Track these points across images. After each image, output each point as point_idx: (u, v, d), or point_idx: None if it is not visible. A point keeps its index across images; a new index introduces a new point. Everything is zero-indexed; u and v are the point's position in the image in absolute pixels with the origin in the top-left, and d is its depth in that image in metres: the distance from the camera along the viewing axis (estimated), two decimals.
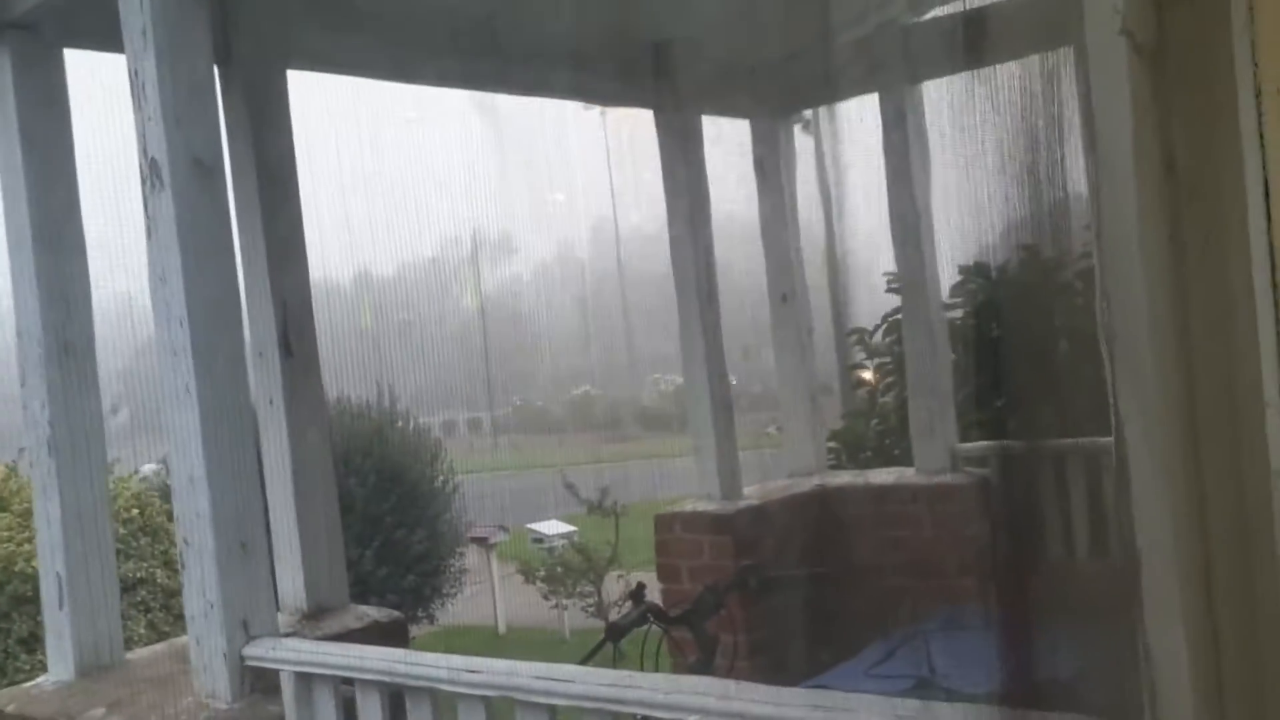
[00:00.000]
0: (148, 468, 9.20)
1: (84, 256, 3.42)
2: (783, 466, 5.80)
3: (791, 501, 5.28)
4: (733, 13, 4.94)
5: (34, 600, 7.78)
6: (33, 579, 7.68)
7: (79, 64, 3.51)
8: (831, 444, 6.29)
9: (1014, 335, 5.06)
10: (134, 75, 2.86)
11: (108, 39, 3.05)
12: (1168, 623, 1.20)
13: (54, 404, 3.33)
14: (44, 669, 3.61)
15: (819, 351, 6.23)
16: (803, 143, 5.82)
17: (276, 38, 3.68)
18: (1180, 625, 1.19)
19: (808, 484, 5.48)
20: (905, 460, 5.73)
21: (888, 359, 6.23)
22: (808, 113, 5.79)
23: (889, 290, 5.77)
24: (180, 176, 2.79)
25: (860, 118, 5.54)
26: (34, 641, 7.91)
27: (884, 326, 6.16)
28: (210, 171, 2.88)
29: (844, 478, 5.73)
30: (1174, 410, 1.21)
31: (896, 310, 5.77)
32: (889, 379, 6.27)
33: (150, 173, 2.82)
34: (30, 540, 7.87)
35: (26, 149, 3.31)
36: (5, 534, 8.23)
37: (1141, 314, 1.20)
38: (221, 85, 3.46)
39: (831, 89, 5.53)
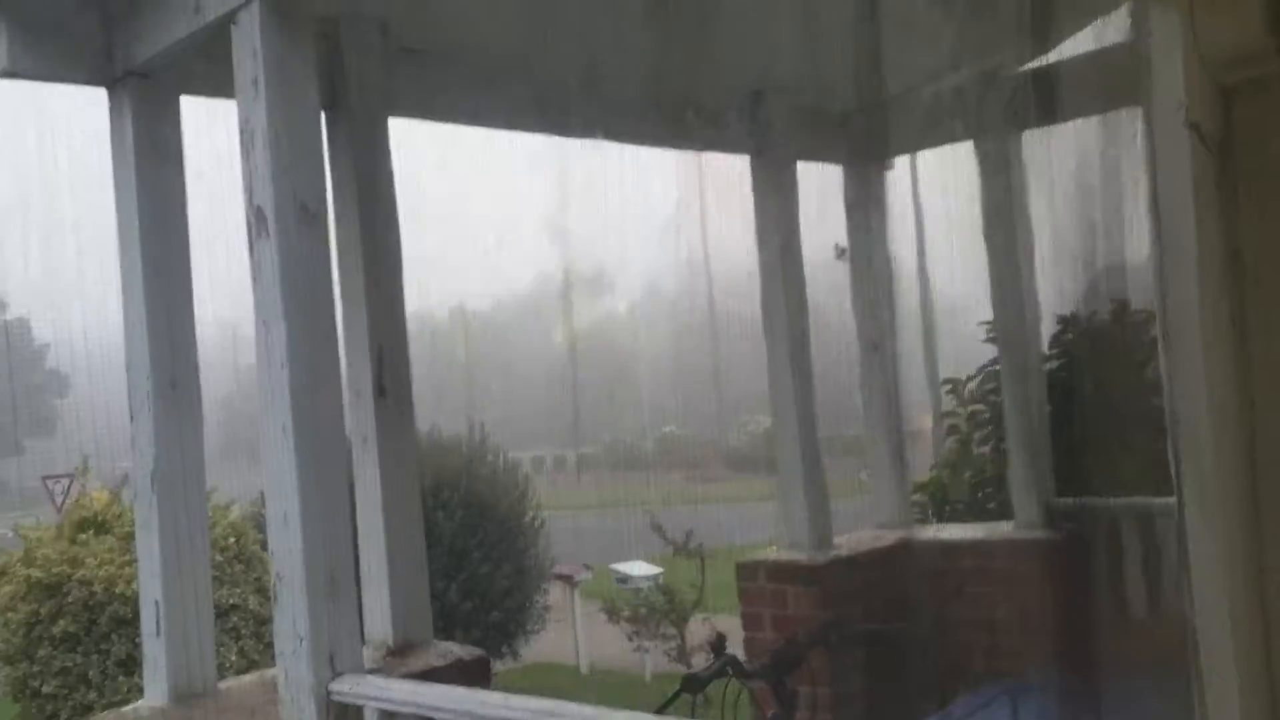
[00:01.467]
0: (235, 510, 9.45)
1: (190, 297, 3.54)
2: (870, 515, 5.73)
3: (879, 554, 5.20)
4: (827, 60, 4.96)
5: (133, 622, 8.03)
6: (132, 601, 7.93)
7: (193, 109, 3.66)
8: (917, 496, 6.19)
9: (1107, 389, 4.97)
10: (244, 123, 2.97)
11: (221, 86, 3.18)
12: (1223, 692, 1.17)
13: (159, 439, 3.45)
14: (140, 692, 3.72)
15: (909, 400, 6.16)
16: (895, 189, 5.80)
17: (380, 86, 3.79)
18: (1236, 695, 1.16)
19: (895, 536, 5.40)
20: (1000, 514, 5.62)
21: (983, 409, 6.12)
22: (900, 159, 5.77)
23: (987, 340, 5.69)
24: (285, 223, 2.89)
25: (956, 165, 5.50)
26: (132, 663, 8.16)
27: (980, 376, 6.06)
28: (314, 218, 2.97)
29: (934, 531, 5.64)
30: (1234, 491, 1.18)
31: (994, 360, 5.69)
32: (985, 430, 6.16)
33: (256, 220, 2.93)
34: (131, 564, 8.13)
35: (141, 191, 3.45)
36: (107, 557, 8.51)
37: (1201, 400, 1.18)
38: (327, 132, 3.58)
39: (927, 136, 5.50)
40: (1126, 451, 4.97)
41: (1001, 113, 5.03)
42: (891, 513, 5.61)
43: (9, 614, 8.56)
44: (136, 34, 3.39)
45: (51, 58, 3.43)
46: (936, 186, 5.84)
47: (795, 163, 5.25)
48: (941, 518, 6.22)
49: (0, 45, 3.37)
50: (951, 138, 5.43)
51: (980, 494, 6.16)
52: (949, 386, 6.33)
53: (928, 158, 5.80)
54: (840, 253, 5.61)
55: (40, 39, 3.41)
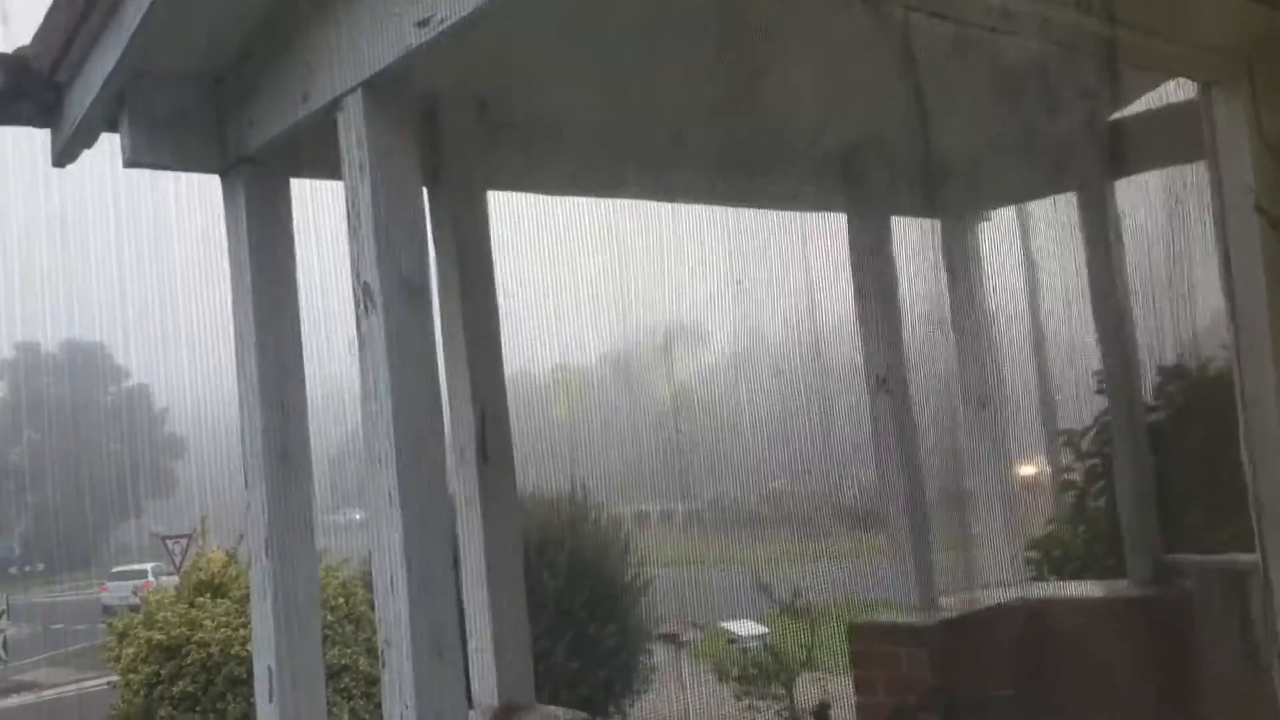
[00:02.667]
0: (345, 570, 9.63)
1: (301, 371, 3.66)
2: (981, 575, 5.60)
3: (991, 614, 5.07)
4: (921, 114, 4.95)
5: (247, 682, 8.21)
6: (247, 662, 8.11)
7: (302, 190, 3.81)
8: (1030, 553, 6.02)
9: (1212, 442, 4.80)
10: (350, 204, 3.08)
11: (328, 168, 3.30)
12: None
13: (272, 507, 3.55)
14: None
15: (1019, 455, 6.03)
16: (996, 240, 5.74)
17: (479, 161, 3.90)
18: None
19: (1007, 595, 5.26)
20: (1116, 571, 5.44)
21: (1098, 462, 5.95)
22: (998, 211, 5.71)
23: (1099, 391, 5.56)
24: (390, 298, 2.98)
25: (1055, 215, 5.42)
26: None
27: (1095, 428, 5.91)
28: (418, 291, 3.06)
29: (1048, 589, 5.48)
30: None
31: (1106, 411, 5.55)
32: (1100, 483, 5.98)
33: (363, 295, 3.02)
34: (246, 625, 8.34)
35: (255, 271, 3.60)
36: (224, 619, 8.76)
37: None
38: (429, 206, 3.69)
39: (1025, 188, 5.44)
40: (1235, 505, 4.79)
41: (1096, 164, 4.96)
42: (1004, 570, 5.48)
43: (131, 675, 8.85)
44: (249, 121, 3.55)
45: (171, 148, 3.61)
46: (1039, 236, 5.75)
47: (889, 217, 5.24)
48: (1059, 575, 6.04)
49: (124, 138, 3.57)
50: (1049, 189, 5.36)
51: (1096, 550, 5.97)
52: (1064, 439, 6.17)
53: (1025, 209, 5.73)
54: (982, 402, 5.57)
55: (160, 131, 3.59)
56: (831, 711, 3.03)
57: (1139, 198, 5.15)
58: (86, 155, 3.84)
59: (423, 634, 2.92)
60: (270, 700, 3.55)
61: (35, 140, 3.95)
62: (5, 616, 19.30)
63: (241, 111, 3.58)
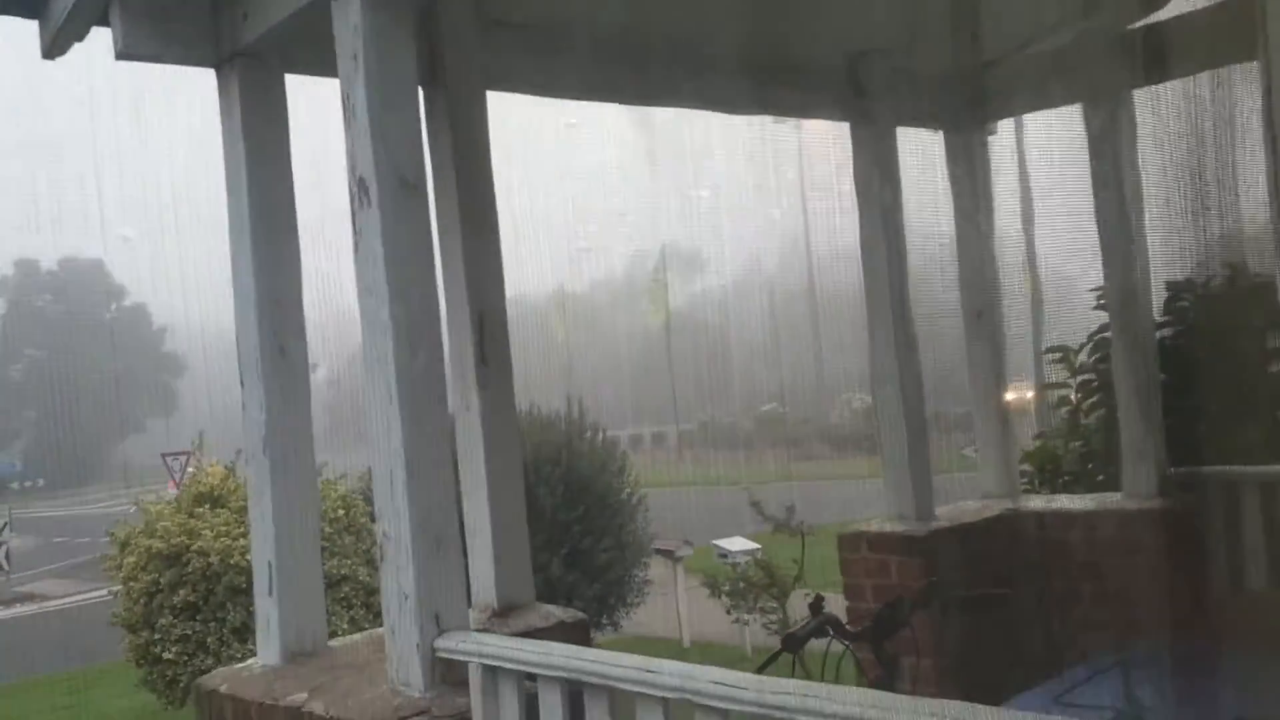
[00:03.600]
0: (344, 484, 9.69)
1: (298, 267, 3.65)
2: (975, 487, 5.65)
3: (983, 524, 5.12)
4: (927, 22, 4.86)
5: (247, 591, 8.32)
6: (246, 572, 8.20)
7: (297, 87, 3.75)
8: (1024, 466, 6.06)
9: (1223, 356, 4.80)
10: (346, 98, 3.04)
11: (323, 65, 3.26)
12: None
13: (269, 405, 3.56)
14: (254, 656, 3.86)
15: (1016, 370, 6.03)
16: (1001, 152, 5.68)
17: (477, 61, 3.84)
18: None
19: (1000, 506, 5.30)
20: (1108, 485, 5.48)
21: (1092, 378, 5.96)
22: (1004, 123, 5.64)
23: (1097, 307, 5.54)
24: (386, 194, 2.95)
25: (1062, 127, 5.36)
26: (245, 631, 8.46)
27: (1090, 344, 5.90)
28: (414, 189, 3.03)
29: (1041, 501, 5.53)
30: None
31: (1104, 328, 5.53)
32: (1093, 399, 6.00)
33: (359, 190, 3.00)
34: (245, 535, 8.41)
35: (250, 167, 3.57)
36: (223, 529, 8.83)
37: None
38: (425, 107, 3.64)
39: (1031, 98, 5.37)
40: (1244, 419, 4.80)
41: (1111, 72, 4.88)
42: (996, 484, 5.52)
43: (131, 583, 8.94)
44: (243, 13, 3.49)
45: (163, 40, 3.56)
46: (1042, 150, 5.69)
47: (895, 129, 5.18)
48: (1050, 489, 6.08)
49: (116, 30, 3.50)
50: (1058, 99, 5.29)
51: (1089, 464, 6.01)
52: (1059, 355, 6.18)
53: (1033, 120, 5.66)
54: (979, 315, 5.54)
55: (151, 23, 3.53)
56: (826, 604, 3.06)
57: (1153, 110, 5.07)
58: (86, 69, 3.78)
59: (421, 524, 2.94)
60: (270, 594, 3.59)
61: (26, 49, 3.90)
62: (8, 529, 19.47)
63: (235, 3, 3.51)
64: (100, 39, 3.68)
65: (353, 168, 3.04)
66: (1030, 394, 7.04)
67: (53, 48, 3.73)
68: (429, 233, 3.19)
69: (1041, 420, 6.77)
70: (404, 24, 3.09)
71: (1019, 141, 5.77)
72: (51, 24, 3.64)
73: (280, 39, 3.49)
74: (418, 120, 3.17)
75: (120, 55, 3.52)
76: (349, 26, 3.00)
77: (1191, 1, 4.64)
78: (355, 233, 3.07)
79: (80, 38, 3.71)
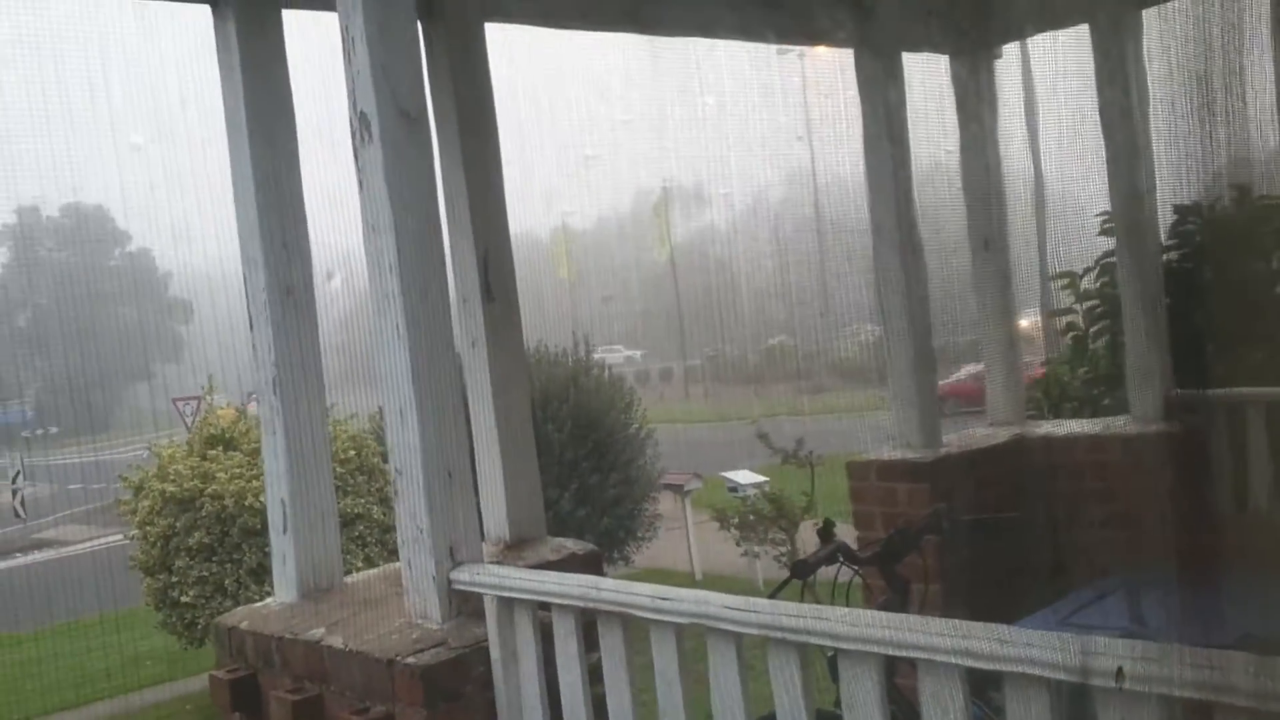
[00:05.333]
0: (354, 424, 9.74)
1: (302, 205, 3.63)
2: (981, 414, 5.66)
3: (991, 451, 5.14)
4: None
5: (262, 533, 8.41)
6: (261, 513, 8.30)
7: (295, 22, 3.71)
8: (1031, 392, 6.07)
9: (1230, 279, 4.78)
10: (344, 31, 3.01)
11: (322, 0, 3.22)
12: None
13: (278, 345, 3.57)
14: (272, 597, 3.91)
15: (1023, 298, 6.01)
16: (1006, 77, 5.60)
17: None
18: None
19: (1008, 433, 5.32)
20: (1115, 409, 5.49)
21: (1099, 303, 5.94)
22: (1010, 46, 5.56)
23: (1102, 232, 5.51)
24: (388, 128, 2.93)
25: (1069, 50, 5.28)
26: (262, 572, 8.56)
27: (1095, 269, 5.88)
28: (415, 122, 3.01)
29: (1048, 427, 5.54)
30: None
31: (1110, 253, 5.51)
32: (1099, 325, 5.98)
33: (360, 125, 2.98)
34: (258, 478, 8.50)
35: (250, 103, 3.54)
36: (236, 471, 8.91)
37: None
38: (424, 40, 3.60)
39: (1037, 19, 5.29)
40: (1251, 341, 4.79)
41: None
42: (1006, 411, 5.53)
43: (148, 528, 9.05)
44: None
45: None
46: (1049, 73, 5.61)
47: (900, 53, 5.11)
48: (1058, 414, 6.10)
49: None
50: (1064, 20, 5.21)
51: (1097, 389, 6.02)
52: (1065, 281, 6.15)
53: (1039, 43, 5.57)
54: (986, 244, 5.49)
55: None
56: (836, 530, 3.09)
57: (1161, 30, 4.99)
58: None
59: (434, 458, 2.96)
60: (284, 531, 3.63)
61: None
62: (21, 476, 19.64)
63: None
64: None
65: (353, 103, 3.01)
66: (1038, 320, 7.03)
67: None
68: (432, 168, 3.17)
69: (1049, 347, 6.76)
70: None
71: (1025, 64, 5.70)
72: None
73: None
74: (418, 53, 3.14)
75: None
76: None
77: None
78: (358, 170, 3.05)
79: None
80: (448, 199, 3.72)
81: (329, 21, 3.19)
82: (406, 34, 3.05)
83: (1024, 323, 6.35)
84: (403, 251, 2.97)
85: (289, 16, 3.69)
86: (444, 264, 3.17)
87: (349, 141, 3.06)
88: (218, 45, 3.59)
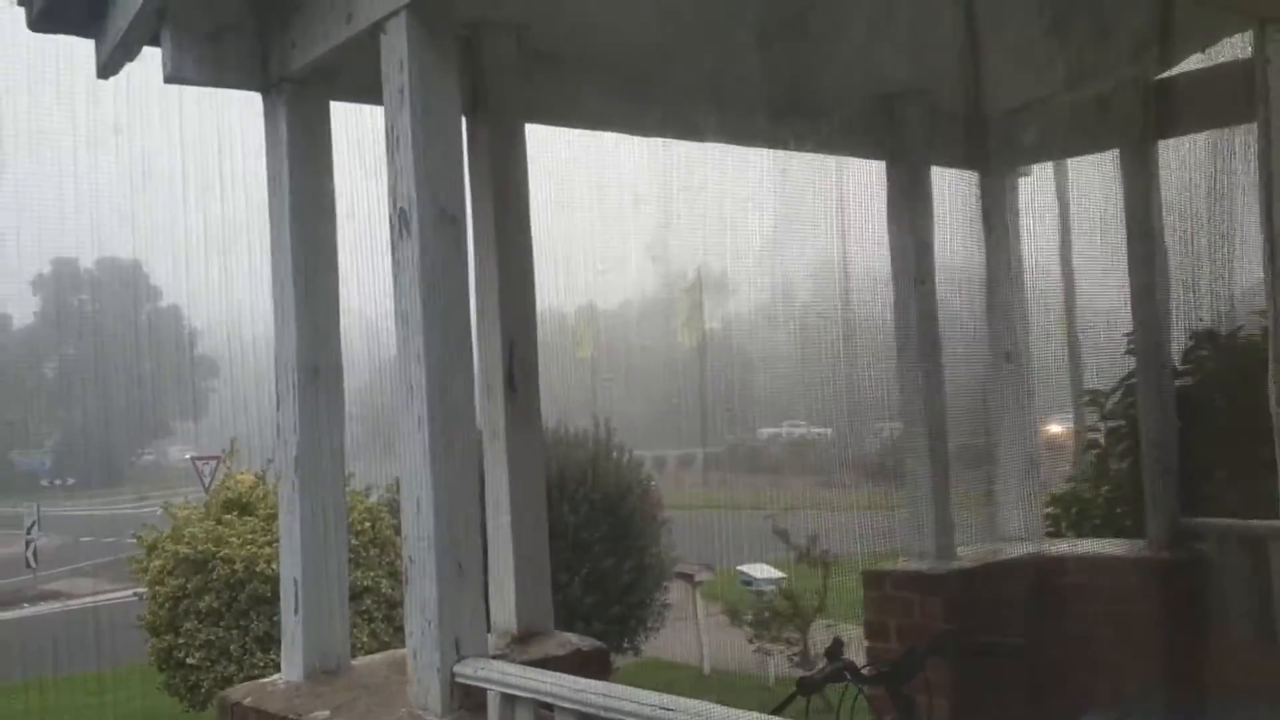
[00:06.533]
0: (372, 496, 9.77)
1: (336, 292, 3.71)
2: (998, 529, 5.63)
3: (1006, 566, 5.12)
4: (963, 64, 4.90)
5: (271, 601, 8.39)
6: (272, 580, 8.29)
7: (341, 114, 3.83)
8: (1050, 509, 6.05)
9: (1239, 408, 4.79)
10: (390, 129, 3.10)
11: (369, 93, 3.33)
12: None
13: (302, 426, 3.62)
14: (276, 667, 3.91)
15: (1045, 412, 6.02)
16: (1035, 195, 5.69)
17: (517, 92, 3.90)
18: None
19: (1023, 549, 5.30)
20: (1136, 532, 5.46)
21: (1123, 423, 5.94)
22: (1037, 167, 5.66)
23: (1128, 352, 5.54)
24: (426, 227, 3.01)
25: (1095, 173, 5.37)
26: (268, 640, 8.52)
27: (1120, 389, 5.89)
28: (453, 221, 3.08)
29: (1064, 545, 5.51)
30: None
31: (1133, 373, 5.54)
32: (1123, 445, 5.98)
33: (400, 221, 3.05)
34: (271, 544, 8.51)
35: (294, 190, 3.63)
36: (249, 537, 8.92)
37: None
38: (467, 136, 3.71)
39: (1065, 142, 5.39)
40: (1257, 472, 4.79)
41: (1140, 123, 4.91)
42: (1022, 526, 5.51)
43: (158, 587, 9.04)
44: (291, 42, 3.56)
45: (212, 64, 3.63)
46: (1075, 194, 5.71)
47: (929, 168, 5.21)
48: (1077, 533, 6.07)
49: (165, 53, 3.58)
50: (1091, 145, 5.31)
51: (1117, 510, 5.99)
52: (1089, 399, 6.16)
53: (1066, 165, 5.68)
54: (1008, 356, 5.55)
55: (200, 48, 3.61)
56: (845, 648, 3.08)
57: (1183, 160, 5.10)
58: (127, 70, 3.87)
59: (446, 553, 2.98)
60: (295, 613, 3.64)
61: (72, 55, 3.99)
62: (36, 527, 19.70)
63: (284, 30, 3.59)
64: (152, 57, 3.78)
65: (394, 198, 3.10)
66: (1059, 436, 7.02)
67: (106, 67, 3.82)
68: (465, 264, 3.24)
69: (1070, 463, 6.74)
70: (449, 58, 3.15)
71: (1055, 185, 5.79)
72: (106, 44, 3.74)
73: (327, 68, 3.56)
74: (460, 154, 3.23)
75: (169, 78, 3.59)
76: (395, 61, 3.06)
77: (1212, 57, 4.69)
78: (394, 262, 3.12)
79: (132, 57, 3.79)
80: (479, 289, 3.79)
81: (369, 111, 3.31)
82: (451, 135, 3.14)
83: (1044, 437, 6.36)
84: (430, 345, 3.02)
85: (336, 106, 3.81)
86: (470, 357, 3.23)
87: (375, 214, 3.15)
88: (266, 131, 3.70)
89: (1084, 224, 5.69)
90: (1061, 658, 4.75)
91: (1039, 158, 5.59)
